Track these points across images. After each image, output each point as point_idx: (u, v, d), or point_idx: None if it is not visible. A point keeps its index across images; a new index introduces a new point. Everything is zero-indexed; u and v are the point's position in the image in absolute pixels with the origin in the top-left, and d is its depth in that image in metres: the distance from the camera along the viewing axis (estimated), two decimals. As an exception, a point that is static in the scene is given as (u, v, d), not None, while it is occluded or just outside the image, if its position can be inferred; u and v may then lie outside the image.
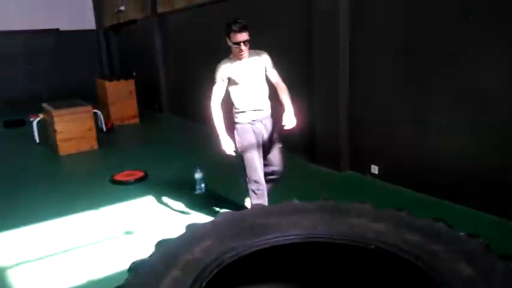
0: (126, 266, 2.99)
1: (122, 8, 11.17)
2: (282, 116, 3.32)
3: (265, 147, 3.44)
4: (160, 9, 9.26)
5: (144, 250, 3.22)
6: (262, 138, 3.40)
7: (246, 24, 3.17)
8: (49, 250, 3.46)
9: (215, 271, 1.89)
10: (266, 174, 3.46)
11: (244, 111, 3.34)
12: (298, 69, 5.27)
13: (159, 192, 4.64)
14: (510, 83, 3.31)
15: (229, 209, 2.36)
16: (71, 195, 4.77)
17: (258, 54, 3.36)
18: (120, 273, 2.97)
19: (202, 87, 8.28)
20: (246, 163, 3.32)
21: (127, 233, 3.70)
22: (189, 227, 2.19)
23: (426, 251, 1.83)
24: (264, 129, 3.39)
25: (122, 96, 9.12)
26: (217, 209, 4.02)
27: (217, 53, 7.41)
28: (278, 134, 3.50)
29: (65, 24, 12.67)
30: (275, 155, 3.51)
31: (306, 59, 5.05)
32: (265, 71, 3.37)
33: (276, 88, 3.45)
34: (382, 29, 4.31)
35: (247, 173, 3.33)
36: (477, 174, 3.65)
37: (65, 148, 6.67)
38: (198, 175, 4.55)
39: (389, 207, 2.30)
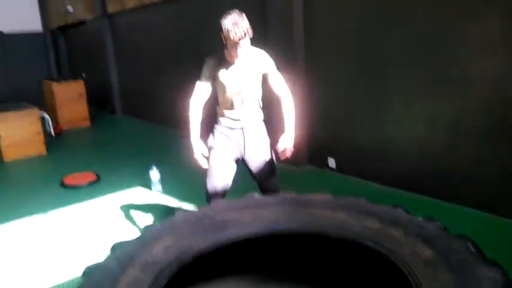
0: (80, 272, 2.86)
1: (70, 8, 10.74)
2: (277, 132, 2.84)
3: (252, 164, 2.92)
4: (110, 9, 8.97)
5: (99, 254, 3.08)
6: (244, 149, 2.88)
7: (248, 27, 2.57)
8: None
9: (175, 270, 1.83)
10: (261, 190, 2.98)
11: (225, 116, 2.88)
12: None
13: (113, 194, 4.47)
14: (462, 76, 3.44)
15: (189, 208, 2.30)
16: (18, 200, 4.51)
17: (256, 55, 2.78)
18: (73, 281, 2.83)
19: (156, 87, 8.13)
20: (208, 171, 2.88)
21: (80, 237, 3.52)
22: (147, 228, 2.11)
23: (386, 236, 1.85)
24: (244, 139, 2.87)
25: (71, 99, 8.74)
26: (176, 208, 3.92)
27: (171, 52, 7.32)
28: (270, 147, 2.96)
29: (9, 26, 12.04)
30: (266, 174, 2.95)
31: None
32: (266, 77, 2.81)
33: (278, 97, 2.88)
34: (336, 22, 4.37)
35: (206, 179, 2.90)
36: (429, 163, 3.77)
37: (10, 154, 6.29)
38: (153, 174, 4.42)
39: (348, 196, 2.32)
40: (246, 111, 2.85)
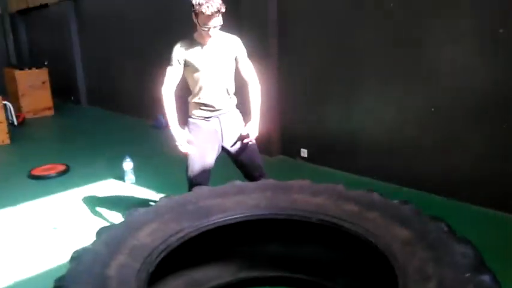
0: (59, 260, 2.83)
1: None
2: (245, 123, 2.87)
3: (233, 149, 2.89)
4: (74, -8, 8.71)
5: (78, 242, 3.05)
6: (222, 137, 2.86)
7: (222, 4, 2.53)
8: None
9: (163, 254, 1.86)
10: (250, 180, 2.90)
11: (199, 105, 2.81)
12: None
13: (84, 185, 4.40)
14: (433, 66, 3.60)
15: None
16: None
17: (229, 40, 2.76)
18: (54, 270, 2.79)
19: (124, 76, 7.98)
20: (188, 162, 2.84)
21: (55, 227, 3.46)
22: (130, 213, 2.12)
23: (364, 219, 1.95)
24: (221, 127, 2.85)
25: (34, 87, 8.46)
26: (150, 198, 3.91)
27: (140, 39, 7.20)
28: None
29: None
30: (249, 156, 2.92)
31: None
32: (236, 62, 2.82)
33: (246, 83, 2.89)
34: (309, 11, 4.45)
35: (187, 173, 2.86)
36: (399, 153, 3.94)
37: (-29, 143, 6.07)
38: (127, 165, 4.39)
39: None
40: (219, 96, 2.80)
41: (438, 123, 3.62)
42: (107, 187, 4.34)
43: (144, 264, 1.74)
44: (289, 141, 4.95)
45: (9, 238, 3.35)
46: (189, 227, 2.02)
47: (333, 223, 2.02)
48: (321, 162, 4.61)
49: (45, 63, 9.31)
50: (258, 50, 4.76)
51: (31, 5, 10.66)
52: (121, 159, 4.49)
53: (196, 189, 2.41)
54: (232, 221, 2.15)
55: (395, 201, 2.05)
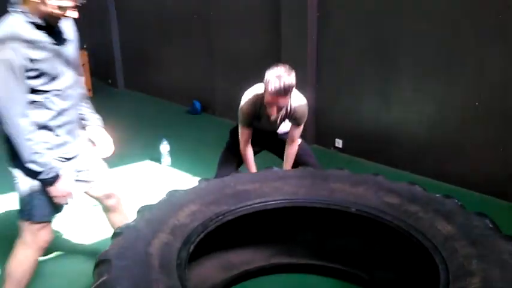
0: (99, 235, 2.90)
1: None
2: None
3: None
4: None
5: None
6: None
7: (290, 84, 2.33)
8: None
9: (202, 235, 1.90)
10: None
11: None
12: (264, 43, 5.24)
13: (121, 165, 4.49)
14: (475, 60, 3.47)
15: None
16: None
17: (295, 107, 2.58)
18: (94, 244, 2.89)
19: (162, 60, 8.06)
20: (220, 160, 2.93)
21: (88, 206, 3.56)
22: (171, 194, 2.16)
23: (405, 212, 1.93)
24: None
25: (74, 69, 8.68)
26: (186, 181, 3.97)
27: (179, 23, 7.25)
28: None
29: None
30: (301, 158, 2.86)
31: (273, 32, 5.01)
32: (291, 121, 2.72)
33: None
34: (348, 2, 4.37)
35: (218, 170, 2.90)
36: (438, 147, 3.84)
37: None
38: (164, 147, 4.46)
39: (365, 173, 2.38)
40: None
41: (480, 118, 3.49)
42: (144, 168, 4.43)
43: (185, 243, 1.78)
44: (324, 131, 4.90)
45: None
46: (228, 210, 2.05)
47: (373, 214, 2.00)
48: (356, 153, 4.54)
49: (84, 46, 9.52)
50: (297, 38, 4.74)
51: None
52: (157, 142, 4.56)
53: (235, 174, 2.44)
54: (269, 207, 2.16)
55: (438, 195, 2.01)
